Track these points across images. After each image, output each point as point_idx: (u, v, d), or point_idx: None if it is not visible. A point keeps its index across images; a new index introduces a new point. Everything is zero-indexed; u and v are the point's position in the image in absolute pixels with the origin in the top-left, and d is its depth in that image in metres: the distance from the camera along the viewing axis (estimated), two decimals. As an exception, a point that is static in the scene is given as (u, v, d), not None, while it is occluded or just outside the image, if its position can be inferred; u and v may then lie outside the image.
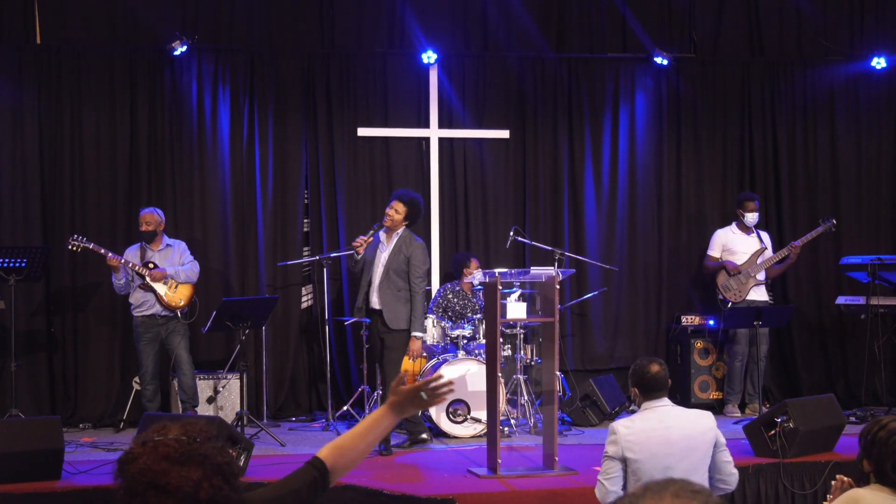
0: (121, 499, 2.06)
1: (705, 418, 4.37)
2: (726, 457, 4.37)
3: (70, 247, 7.76)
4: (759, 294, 8.73)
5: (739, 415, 8.57)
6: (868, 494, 3.29)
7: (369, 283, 7.19)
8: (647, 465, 4.19)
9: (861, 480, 3.42)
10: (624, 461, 4.25)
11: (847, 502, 3.32)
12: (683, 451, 4.22)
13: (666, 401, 4.37)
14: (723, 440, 4.38)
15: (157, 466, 2.03)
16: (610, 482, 4.26)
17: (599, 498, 4.32)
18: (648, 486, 1.69)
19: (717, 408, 8.75)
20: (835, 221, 8.87)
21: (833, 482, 3.51)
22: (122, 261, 7.81)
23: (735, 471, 4.41)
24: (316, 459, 2.59)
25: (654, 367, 4.35)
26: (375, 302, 7.14)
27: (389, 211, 7.22)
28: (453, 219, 9.22)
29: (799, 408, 6.44)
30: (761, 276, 8.73)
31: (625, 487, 4.25)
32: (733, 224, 8.91)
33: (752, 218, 8.75)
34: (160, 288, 7.85)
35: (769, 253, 8.81)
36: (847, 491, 3.38)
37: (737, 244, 8.80)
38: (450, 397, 7.58)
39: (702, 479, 4.24)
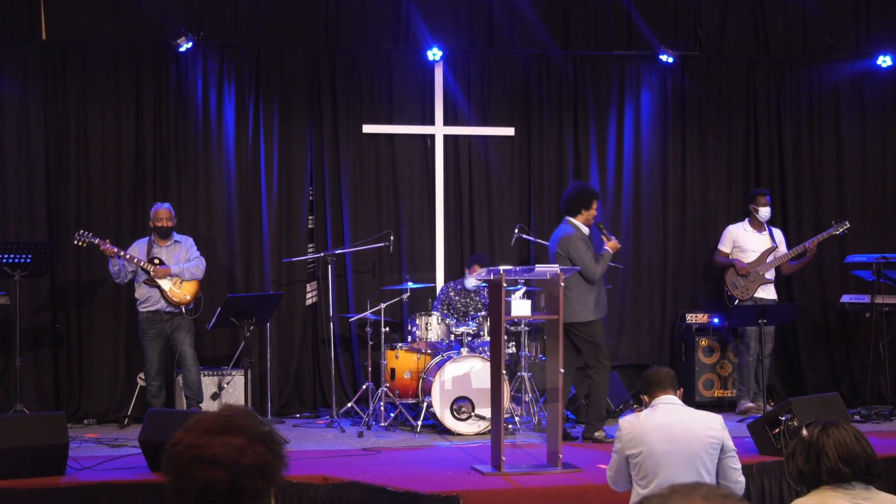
0: (171, 485, 2.12)
1: (712, 420, 4.38)
2: (733, 463, 4.35)
3: (76, 242, 7.78)
4: (767, 293, 8.67)
5: (754, 406, 8.39)
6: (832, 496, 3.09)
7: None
8: (647, 459, 4.26)
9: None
10: (626, 458, 4.37)
11: None
12: (682, 448, 4.24)
13: (672, 398, 4.43)
14: (731, 445, 4.34)
15: (200, 441, 2.10)
16: (616, 474, 4.48)
17: (609, 483, 4.58)
18: (675, 487, 1.65)
19: (724, 406, 8.72)
20: (848, 224, 8.68)
21: None
22: (127, 256, 7.82)
23: (742, 479, 4.39)
24: None
25: (657, 368, 4.62)
26: None
27: None
28: (458, 216, 9.21)
29: (803, 406, 6.43)
30: (770, 274, 8.69)
31: (630, 479, 4.41)
32: (745, 220, 8.86)
33: (765, 213, 8.69)
34: (165, 284, 7.87)
35: (783, 250, 8.75)
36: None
37: (748, 242, 8.75)
38: (454, 394, 7.58)
39: (697, 479, 4.24)
